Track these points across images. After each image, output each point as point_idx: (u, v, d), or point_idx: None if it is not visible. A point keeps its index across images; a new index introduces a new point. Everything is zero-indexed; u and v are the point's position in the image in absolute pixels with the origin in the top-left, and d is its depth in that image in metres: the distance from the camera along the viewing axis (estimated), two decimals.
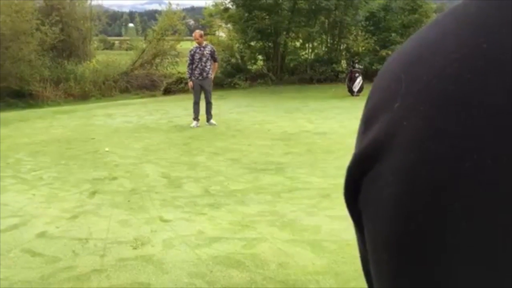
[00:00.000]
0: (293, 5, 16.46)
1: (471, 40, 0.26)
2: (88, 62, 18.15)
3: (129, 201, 4.80)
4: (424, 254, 0.25)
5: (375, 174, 0.28)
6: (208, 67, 8.94)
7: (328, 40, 18.17)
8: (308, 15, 17.00)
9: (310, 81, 16.63)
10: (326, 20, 17.70)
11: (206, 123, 9.10)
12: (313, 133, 8.21)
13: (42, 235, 3.95)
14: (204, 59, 8.88)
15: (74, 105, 14.30)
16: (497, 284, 0.24)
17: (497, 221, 0.23)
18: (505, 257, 0.23)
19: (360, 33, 17.29)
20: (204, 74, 8.90)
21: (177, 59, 18.86)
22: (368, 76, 13.50)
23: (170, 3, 19.61)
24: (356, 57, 15.77)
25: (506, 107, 0.23)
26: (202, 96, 9.01)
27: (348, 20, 17.01)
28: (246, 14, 16.61)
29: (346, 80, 13.78)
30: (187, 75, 9.41)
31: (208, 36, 16.91)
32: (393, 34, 16.65)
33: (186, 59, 9.45)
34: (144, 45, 19.71)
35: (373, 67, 15.39)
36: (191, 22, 30.36)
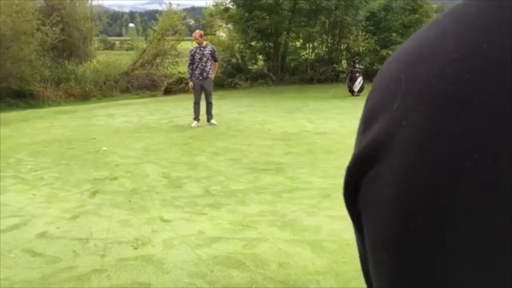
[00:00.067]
0: (294, 5, 16.46)
1: (471, 40, 0.26)
2: (89, 62, 18.16)
3: (129, 201, 4.80)
4: (424, 254, 0.25)
5: (374, 174, 0.28)
6: (209, 67, 8.95)
7: (329, 40, 18.17)
8: (309, 15, 17.00)
9: (310, 81, 16.63)
10: (327, 20, 17.70)
11: (207, 123, 9.10)
12: (314, 133, 8.21)
13: (42, 235, 3.95)
14: (205, 59, 8.88)
15: (75, 105, 14.31)
16: (497, 284, 0.24)
17: (497, 221, 0.23)
18: (505, 257, 0.23)
19: (360, 33, 17.29)
20: (205, 74, 8.90)
21: (178, 59, 18.87)
22: (369, 76, 13.50)
23: (170, 3, 19.63)
24: (356, 57, 15.77)
25: (506, 107, 0.23)
26: (203, 96, 9.01)
27: (348, 20, 17.00)
28: (247, 14, 16.61)
29: (347, 80, 13.77)
30: (187, 75, 9.41)
31: (209, 36, 16.92)
32: (393, 34, 16.65)
33: (187, 59, 9.45)
34: (145, 45, 19.71)
35: (374, 67, 15.38)
36: (192, 22, 30.38)
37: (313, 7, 16.46)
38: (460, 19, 0.28)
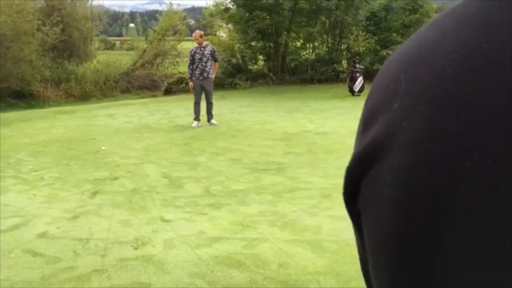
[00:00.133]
0: (294, 5, 16.45)
1: (471, 40, 0.26)
2: (89, 62, 18.16)
3: (130, 201, 4.80)
4: (423, 254, 0.25)
5: (374, 174, 0.28)
6: (209, 67, 8.95)
7: (329, 40, 18.16)
8: (309, 15, 17.00)
9: (311, 81, 16.63)
10: (327, 20, 17.69)
11: (207, 123, 9.10)
12: (314, 133, 8.21)
13: (43, 235, 3.95)
14: (205, 59, 8.88)
15: (75, 105, 14.31)
16: (497, 284, 0.24)
17: (497, 221, 0.23)
18: (505, 257, 0.23)
19: (361, 33, 17.28)
20: (205, 74, 8.90)
21: (178, 59, 18.87)
22: (369, 76, 13.48)
23: (171, 3, 19.63)
24: (357, 57, 15.77)
25: (506, 107, 0.23)
26: (203, 96, 9.01)
27: (349, 20, 17.00)
28: (247, 14, 16.61)
29: (347, 80, 13.77)
30: (187, 75, 9.41)
31: (209, 36, 16.92)
32: (394, 34, 16.64)
33: (187, 59, 9.45)
34: (145, 45, 19.71)
35: (374, 67, 15.37)
36: (192, 22, 30.38)
37: (314, 7, 16.45)
38: (460, 19, 0.28)
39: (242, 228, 4.01)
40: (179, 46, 19.29)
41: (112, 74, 17.65)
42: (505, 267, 0.23)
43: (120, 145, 7.57)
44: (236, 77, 16.23)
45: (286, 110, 10.95)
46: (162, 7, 21.89)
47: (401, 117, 0.27)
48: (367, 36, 16.96)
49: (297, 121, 9.50)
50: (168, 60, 19.54)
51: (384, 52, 15.88)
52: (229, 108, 11.28)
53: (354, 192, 0.30)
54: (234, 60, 17.19)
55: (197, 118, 9.05)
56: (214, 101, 9.25)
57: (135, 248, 3.64)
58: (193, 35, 9.40)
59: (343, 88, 13.78)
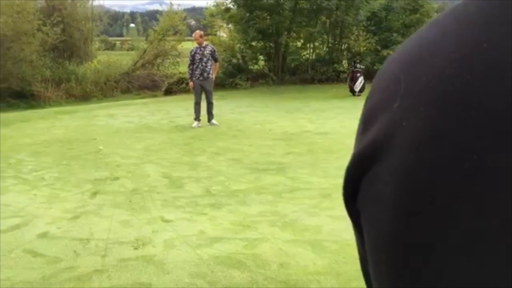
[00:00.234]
0: (294, 5, 16.45)
1: (471, 40, 0.26)
2: (90, 62, 18.16)
3: (130, 201, 4.80)
4: (424, 254, 0.25)
5: (374, 175, 0.28)
6: (209, 67, 8.95)
7: (330, 40, 18.16)
8: (309, 15, 17.00)
9: (311, 81, 16.63)
10: (327, 20, 17.69)
11: (208, 123, 9.10)
12: (314, 133, 8.21)
13: (43, 235, 3.95)
14: (205, 59, 8.88)
15: (76, 105, 14.32)
16: (497, 284, 0.24)
17: (497, 221, 0.23)
18: (506, 257, 0.23)
19: (361, 33, 17.28)
20: (205, 74, 8.91)
21: (178, 59, 18.88)
22: (370, 76, 13.49)
23: (171, 4, 19.63)
24: (357, 57, 15.77)
25: (506, 107, 0.23)
26: (203, 96, 9.01)
27: (349, 20, 17.00)
28: (247, 14, 16.61)
29: (348, 80, 13.77)
30: (187, 76, 9.42)
31: (210, 37, 16.92)
32: (394, 34, 16.65)
33: (187, 59, 9.46)
34: (145, 46, 19.71)
35: (375, 67, 15.38)
36: (192, 22, 30.39)
37: (314, 7, 16.46)
38: (460, 19, 0.28)
39: (243, 228, 4.01)
40: (179, 46, 19.30)
41: (112, 74, 17.66)
42: (505, 267, 0.23)
43: (121, 145, 7.57)
44: (237, 77, 16.24)
45: (287, 110, 10.95)
46: (163, 7, 21.92)
47: (401, 118, 0.27)
48: (368, 36, 16.96)
49: (297, 121, 9.50)
50: (168, 60, 19.54)
51: (384, 52, 15.89)
52: (230, 108, 11.28)
53: (354, 192, 0.30)
54: (234, 60, 17.20)
55: (197, 118, 9.05)
56: (214, 101, 9.25)
57: (136, 248, 3.64)
58: (193, 35, 9.40)
59: (344, 88, 13.78)
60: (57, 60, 17.43)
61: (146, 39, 21.17)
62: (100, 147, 7.31)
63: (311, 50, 18.02)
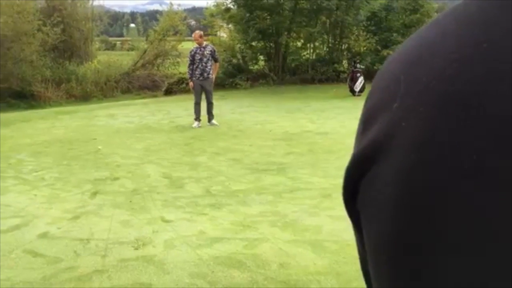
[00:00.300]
0: (295, 5, 16.45)
1: (471, 41, 0.26)
2: (90, 62, 18.16)
3: (130, 201, 4.80)
4: (424, 255, 0.25)
5: (374, 175, 0.28)
6: (209, 67, 8.95)
7: (330, 40, 18.16)
8: (310, 15, 17.00)
9: (311, 81, 16.63)
10: (328, 20, 17.69)
11: (208, 124, 9.10)
12: (315, 133, 8.21)
13: (43, 235, 3.95)
14: (205, 59, 8.88)
15: (76, 105, 14.32)
16: (498, 284, 0.24)
17: (497, 221, 0.23)
18: (506, 257, 0.23)
19: (361, 33, 17.28)
20: (205, 74, 8.91)
21: (179, 60, 18.87)
22: (370, 76, 13.48)
23: (171, 4, 19.62)
24: (357, 57, 15.77)
25: (506, 108, 0.23)
26: (204, 96, 9.01)
27: (349, 20, 17.00)
28: (248, 14, 16.61)
29: (348, 80, 13.77)
30: (187, 76, 9.42)
31: (210, 37, 16.92)
32: (394, 34, 16.65)
33: (187, 59, 9.46)
34: (146, 46, 19.70)
35: (375, 67, 15.38)
36: (193, 22, 30.39)
37: (314, 7, 16.45)
38: (460, 19, 0.28)
39: (243, 228, 4.01)
40: (179, 47, 19.30)
41: (112, 74, 17.65)
42: (505, 267, 0.23)
43: (121, 145, 7.57)
44: (237, 77, 16.24)
45: (287, 110, 10.95)
46: (163, 7, 21.91)
47: (400, 118, 0.27)
48: (368, 36, 16.96)
49: (298, 121, 9.50)
50: (168, 61, 19.54)
51: (384, 52, 15.88)
52: (230, 108, 11.28)
53: (353, 192, 0.30)
54: (234, 60, 17.19)
55: (197, 118, 9.06)
56: (214, 101, 9.25)
57: (136, 249, 3.64)
58: (193, 35, 9.41)
59: (344, 88, 13.78)
60: (57, 60, 17.42)
61: (146, 39, 21.16)
62: (99, 147, 7.32)
63: (311, 50, 18.02)
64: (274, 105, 12.05)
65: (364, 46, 17.02)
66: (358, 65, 13.64)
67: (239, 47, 17.61)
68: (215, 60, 9.16)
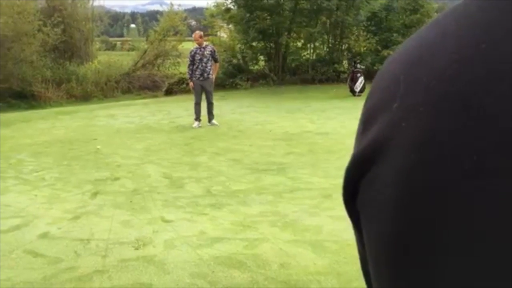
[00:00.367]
0: (295, 5, 16.45)
1: (471, 41, 0.26)
2: (90, 63, 18.16)
3: (131, 201, 4.80)
4: (424, 255, 0.25)
5: (373, 175, 0.28)
6: (209, 67, 8.95)
7: (330, 40, 18.15)
8: (310, 16, 16.99)
9: (311, 81, 16.62)
10: (328, 20, 17.68)
11: (208, 124, 9.10)
12: (315, 133, 8.21)
13: (44, 235, 3.95)
14: (205, 59, 8.89)
15: (76, 105, 14.32)
16: (498, 285, 0.24)
17: (497, 222, 0.23)
18: (506, 257, 0.23)
19: (361, 33, 17.28)
20: (205, 74, 8.91)
21: (179, 60, 18.87)
22: (370, 76, 13.47)
23: (171, 4, 19.62)
24: (357, 57, 15.76)
25: (506, 108, 0.23)
26: (204, 96, 9.02)
27: (349, 20, 16.99)
28: (248, 15, 16.60)
29: (348, 80, 13.76)
30: (187, 76, 9.43)
31: (210, 37, 16.92)
32: (394, 34, 16.64)
33: (187, 59, 9.47)
34: (146, 46, 19.70)
35: (375, 67, 15.37)
36: (193, 22, 30.38)
37: (314, 7, 16.45)
38: (460, 19, 0.28)
39: (243, 229, 4.01)
40: (180, 47, 19.30)
41: (113, 74, 17.65)
42: (505, 267, 0.23)
43: (121, 146, 7.58)
44: (237, 77, 16.24)
45: (287, 111, 10.95)
46: (163, 8, 21.89)
47: (400, 118, 0.27)
48: (368, 36, 16.96)
49: (298, 121, 9.50)
50: (169, 61, 19.54)
51: (385, 52, 15.88)
52: (230, 108, 11.28)
53: (353, 193, 0.30)
54: (235, 61, 17.19)
55: (197, 118, 9.06)
56: (215, 102, 9.26)
57: (136, 249, 3.64)
58: (193, 35, 9.41)
59: (344, 88, 13.77)
60: (57, 60, 17.43)
61: (146, 40, 21.16)
62: (98, 147, 7.32)
63: (312, 50, 18.01)
64: (274, 105, 12.05)
65: (364, 46, 17.01)
66: (358, 65, 13.64)
67: (239, 47, 17.61)
68: (215, 61, 9.16)
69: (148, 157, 6.78)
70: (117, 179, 5.68)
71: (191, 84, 9.14)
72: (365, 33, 17.18)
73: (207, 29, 18.43)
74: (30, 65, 15.78)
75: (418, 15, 16.81)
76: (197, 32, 9.34)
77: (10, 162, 6.56)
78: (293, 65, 17.67)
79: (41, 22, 16.21)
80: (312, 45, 17.97)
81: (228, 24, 18.54)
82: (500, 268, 0.23)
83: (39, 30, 16.11)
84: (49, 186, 5.42)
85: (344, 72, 16.58)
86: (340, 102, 12.18)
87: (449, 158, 0.24)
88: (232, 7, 17.62)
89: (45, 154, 7.07)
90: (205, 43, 9.29)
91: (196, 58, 8.89)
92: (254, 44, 17.38)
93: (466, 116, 0.24)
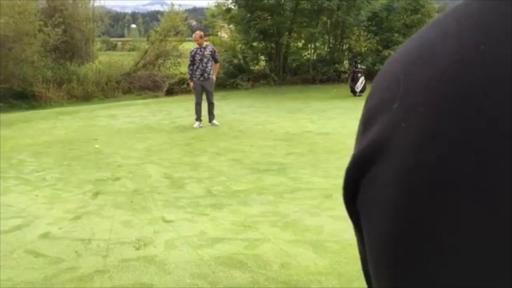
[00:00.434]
0: (295, 5, 16.45)
1: (472, 42, 0.26)
2: (91, 63, 18.16)
3: (131, 201, 4.81)
4: (424, 255, 0.25)
5: (373, 176, 0.28)
6: (209, 67, 8.95)
7: (330, 40, 18.15)
8: (310, 16, 16.99)
9: (312, 81, 16.62)
10: (328, 21, 17.68)
11: (209, 124, 9.11)
12: (316, 134, 8.21)
13: (45, 236, 3.96)
14: (205, 60, 8.89)
15: (77, 106, 14.33)
16: (498, 285, 0.24)
17: (497, 222, 0.23)
18: (505, 258, 0.23)
19: (362, 33, 17.27)
20: (206, 75, 8.91)
21: (180, 60, 18.86)
22: (371, 76, 13.46)
23: (172, 4, 19.61)
24: (358, 57, 15.75)
25: (506, 109, 0.23)
26: (204, 96, 9.02)
27: (350, 20, 16.99)
28: (248, 15, 16.61)
29: (349, 80, 13.76)
30: (187, 76, 9.43)
31: (211, 37, 16.92)
32: (395, 34, 16.63)
33: (187, 60, 9.47)
34: (147, 46, 19.71)
35: (376, 67, 15.37)
36: (193, 23, 30.37)
37: (315, 7, 16.45)
38: (461, 20, 0.28)
39: (244, 229, 4.01)
40: (180, 47, 19.29)
41: (114, 74, 17.65)
42: (506, 268, 0.23)
43: (122, 146, 7.58)
44: (238, 77, 16.24)
45: (288, 111, 10.94)
46: (164, 8, 21.93)
47: (400, 118, 0.27)
48: (369, 36, 16.95)
49: (298, 121, 9.50)
50: (169, 61, 19.54)
51: (386, 52, 15.87)
52: (231, 108, 11.28)
53: (353, 193, 0.30)
54: (235, 61, 17.19)
55: (198, 118, 9.06)
56: (215, 102, 9.26)
57: (137, 249, 3.64)
58: (193, 36, 9.42)
59: (345, 89, 13.77)
60: (58, 60, 17.43)
61: (147, 40, 21.16)
62: (96, 146, 7.32)
63: (312, 51, 18.01)
64: (275, 105, 12.05)
65: (365, 46, 17.01)
66: (359, 65, 13.64)
67: (240, 48, 17.61)
68: (215, 61, 9.17)
69: (148, 157, 6.78)
70: (117, 179, 5.68)
71: (191, 84, 9.14)
72: (366, 33, 17.18)
73: (208, 29, 18.44)
74: (31, 65, 15.79)
75: (419, 15, 16.80)
76: (197, 32, 9.34)
77: (11, 163, 6.56)
78: (293, 65, 17.67)
79: (42, 22, 16.22)
80: (312, 45, 17.97)
81: (228, 24, 18.54)
82: (500, 268, 0.23)
83: (40, 30, 16.11)
84: (50, 186, 5.43)
85: (345, 72, 16.57)
86: (341, 102, 12.17)
87: (448, 159, 0.24)
88: (232, 7, 17.63)
89: (46, 154, 7.07)
90: (205, 43, 9.29)
91: (196, 58, 8.90)
92: (254, 44, 17.38)
93: (466, 116, 0.24)
